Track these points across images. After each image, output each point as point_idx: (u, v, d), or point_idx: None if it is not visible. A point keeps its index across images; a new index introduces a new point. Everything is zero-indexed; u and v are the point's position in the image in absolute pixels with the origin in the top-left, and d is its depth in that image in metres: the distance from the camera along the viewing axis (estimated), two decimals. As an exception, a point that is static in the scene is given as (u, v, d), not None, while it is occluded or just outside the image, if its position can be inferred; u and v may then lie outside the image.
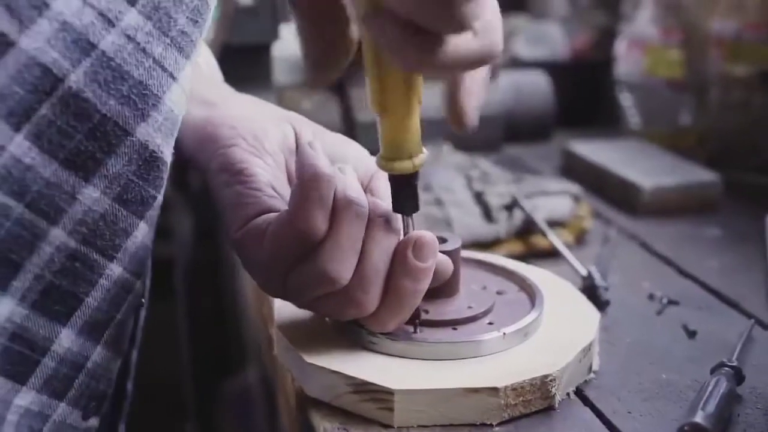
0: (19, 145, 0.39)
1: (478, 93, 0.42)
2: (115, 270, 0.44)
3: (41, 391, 0.43)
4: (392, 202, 0.45)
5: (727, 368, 0.47)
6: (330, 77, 0.47)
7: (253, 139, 0.49)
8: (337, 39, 0.45)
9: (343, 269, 0.43)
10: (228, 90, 0.58)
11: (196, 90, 0.54)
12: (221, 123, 0.51)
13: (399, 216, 0.45)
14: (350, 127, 0.83)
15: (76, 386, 0.44)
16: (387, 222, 0.45)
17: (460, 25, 0.36)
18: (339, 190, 0.44)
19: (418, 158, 0.43)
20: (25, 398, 0.42)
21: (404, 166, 0.43)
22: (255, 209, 0.46)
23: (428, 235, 0.44)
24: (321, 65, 0.46)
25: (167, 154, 0.44)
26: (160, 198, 0.45)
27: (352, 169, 0.46)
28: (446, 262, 0.47)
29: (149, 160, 0.43)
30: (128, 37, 0.41)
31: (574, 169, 0.89)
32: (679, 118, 0.97)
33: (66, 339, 0.43)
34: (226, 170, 0.48)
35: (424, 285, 0.45)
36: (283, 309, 0.50)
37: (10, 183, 0.39)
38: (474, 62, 0.39)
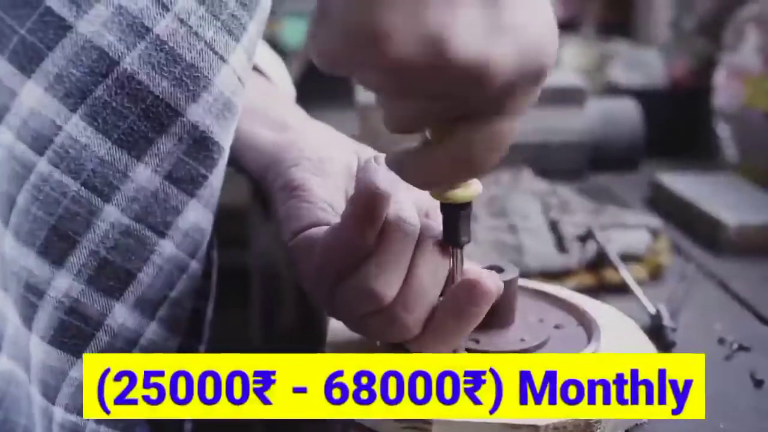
0: (75, 125, 0.42)
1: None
2: (166, 247, 0.45)
3: None
4: (443, 232, 0.44)
5: (788, 423, 0.45)
6: None
7: (317, 160, 0.50)
8: None
9: (387, 286, 0.43)
10: (303, 115, 0.59)
11: (274, 112, 0.56)
12: (290, 145, 0.52)
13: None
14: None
15: None
16: (437, 245, 0.44)
17: None
18: (392, 208, 0.44)
19: (468, 189, 0.42)
20: (80, 371, 0.45)
21: (451, 195, 0.42)
22: (308, 220, 0.47)
23: (487, 280, 0.43)
24: None
25: (219, 135, 0.46)
26: (212, 179, 0.46)
27: (408, 194, 0.46)
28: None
29: (199, 140, 0.45)
30: (181, 21, 0.43)
31: (660, 201, 0.86)
32: (779, 152, 0.93)
33: (119, 314, 0.45)
34: (286, 187, 0.49)
35: (471, 328, 0.44)
36: (337, 329, 0.51)
37: (67, 162, 0.42)
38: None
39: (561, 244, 0.68)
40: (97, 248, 0.43)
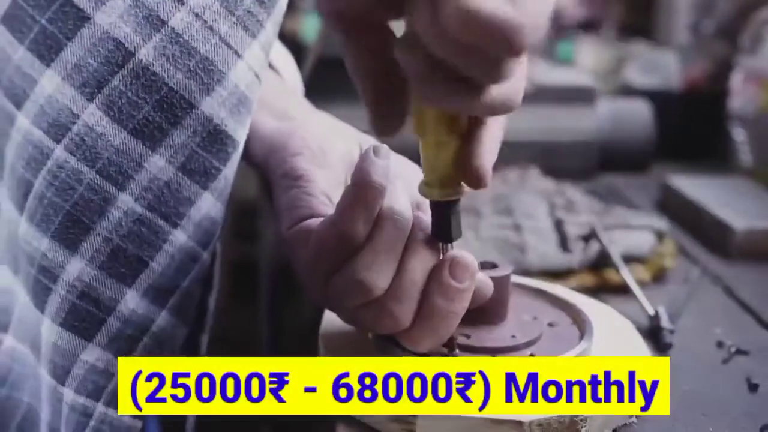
0: (92, 114, 0.43)
1: (494, 147, 0.41)
2: (179, 237, 0.46)
3: (106, 349, 0.46)
4: (432, 228, 0.44)
5: (778, 428, 0.44)
6: (397, 123, 0.39)
7: (318, 150, 0.50)
8: (393, 76, 0.38)
9: (379, 278, 0.43)
10: (308, 106, 0.59)
11: (278, 103, 0.56)
12: (292, 134, 0.52)
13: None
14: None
15: (141, 348, 0.47)
16: (429, 238, 0.44)
17: (504, 78, 0.34)
18: (385, 201, 0.44)
19: (454, 189, 0.42)
20: (91, 354, 0.46)
21: (436, 193, 0.42)
22: (306, 212, 0.47)
23: (466, 256, 0.43)
24: (382, 110, 0.39)
25: (233, 129, 0.46)
26: (226, 172, 0.47)
27: (403, 187, 0.46)
28: (485, 284, 0.46)
29: (213, 133, 0.45)
30: (196, 15, 0.44)
31: (670, 204, 0.85)
32: (795, 158, 0.91)
33: (131, 300, 0.46)
34: (287, 176, 0.49)
35: (460, 307, 0.44)
36: (332, 320, 0.51)
37: (83, 150, 0.43)
38: (500, 110, 0.37)
39: (564, 244, 0.68)
40: (110, 235, 0.44)
